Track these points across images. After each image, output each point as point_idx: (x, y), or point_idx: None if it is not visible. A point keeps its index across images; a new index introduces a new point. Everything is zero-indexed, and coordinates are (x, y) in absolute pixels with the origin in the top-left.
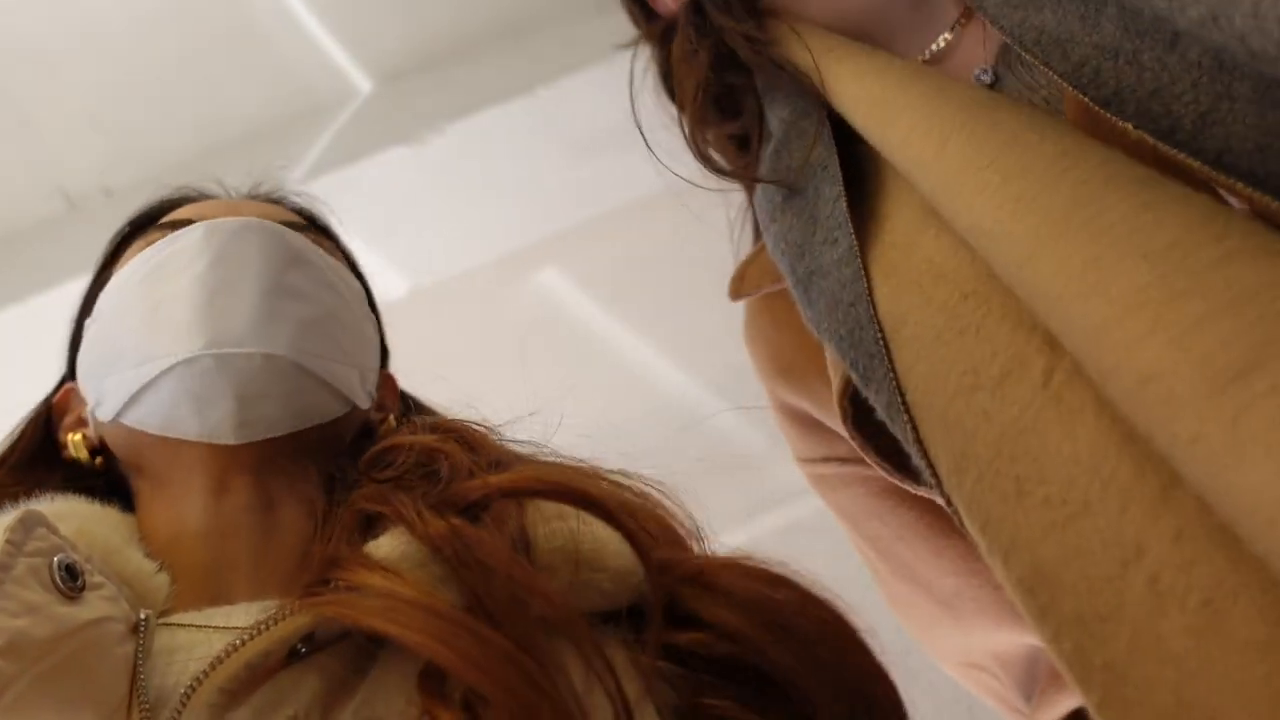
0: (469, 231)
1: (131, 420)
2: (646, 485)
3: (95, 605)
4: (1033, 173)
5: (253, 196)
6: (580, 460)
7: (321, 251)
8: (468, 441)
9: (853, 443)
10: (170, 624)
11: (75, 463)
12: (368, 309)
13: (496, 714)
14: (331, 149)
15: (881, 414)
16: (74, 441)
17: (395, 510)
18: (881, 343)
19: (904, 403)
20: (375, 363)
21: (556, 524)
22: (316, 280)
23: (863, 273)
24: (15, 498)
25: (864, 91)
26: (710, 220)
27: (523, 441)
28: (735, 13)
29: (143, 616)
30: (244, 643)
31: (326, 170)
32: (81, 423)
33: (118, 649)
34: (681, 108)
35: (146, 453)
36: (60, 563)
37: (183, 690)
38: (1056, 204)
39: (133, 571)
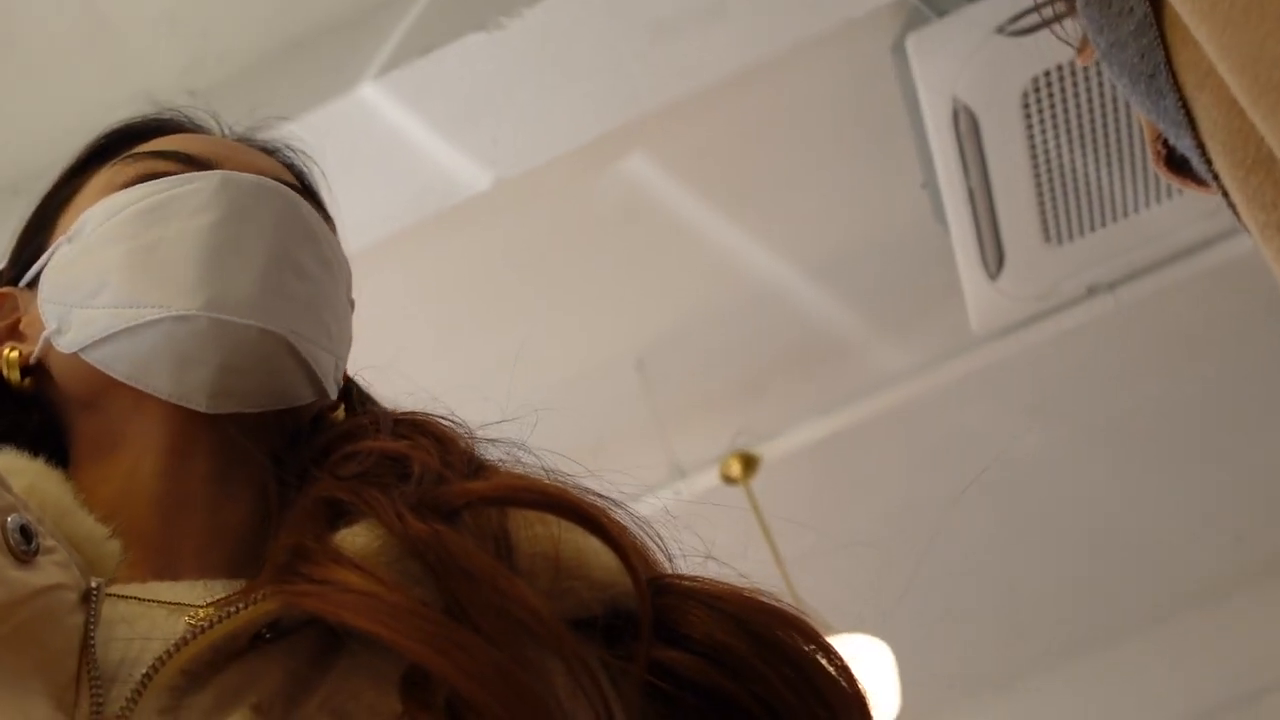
0: (551, 119)
1: (97, 358)
2: (616, 508)
3: (48, 571)
4: None
5: (246, 140)
6: (553, 471)
7: (325, 226)
8: (438, 440)
9: (1165, 177)
10: (113, 595)
11: None
12: (350, 292)
13: None
14: (408, 39)
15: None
16: (7, 356)
17: (371, 507)
18: (1184, 110)
19: (1213, 171)
20: (348, 350)
21: (539, 529)
22: (319, 259)
23: (1159, 42)
24: None
25: None
26: (804, 99)
27: (496, 441)
28: None
29: (94, 585)
30: (211, 625)
31: (403, 62)
32: (17, 335)
33: (68, 619)
34: None
35: (104, 395)
36: (15, 523)
37: (140, 674)
38: None
39: (84, 536)
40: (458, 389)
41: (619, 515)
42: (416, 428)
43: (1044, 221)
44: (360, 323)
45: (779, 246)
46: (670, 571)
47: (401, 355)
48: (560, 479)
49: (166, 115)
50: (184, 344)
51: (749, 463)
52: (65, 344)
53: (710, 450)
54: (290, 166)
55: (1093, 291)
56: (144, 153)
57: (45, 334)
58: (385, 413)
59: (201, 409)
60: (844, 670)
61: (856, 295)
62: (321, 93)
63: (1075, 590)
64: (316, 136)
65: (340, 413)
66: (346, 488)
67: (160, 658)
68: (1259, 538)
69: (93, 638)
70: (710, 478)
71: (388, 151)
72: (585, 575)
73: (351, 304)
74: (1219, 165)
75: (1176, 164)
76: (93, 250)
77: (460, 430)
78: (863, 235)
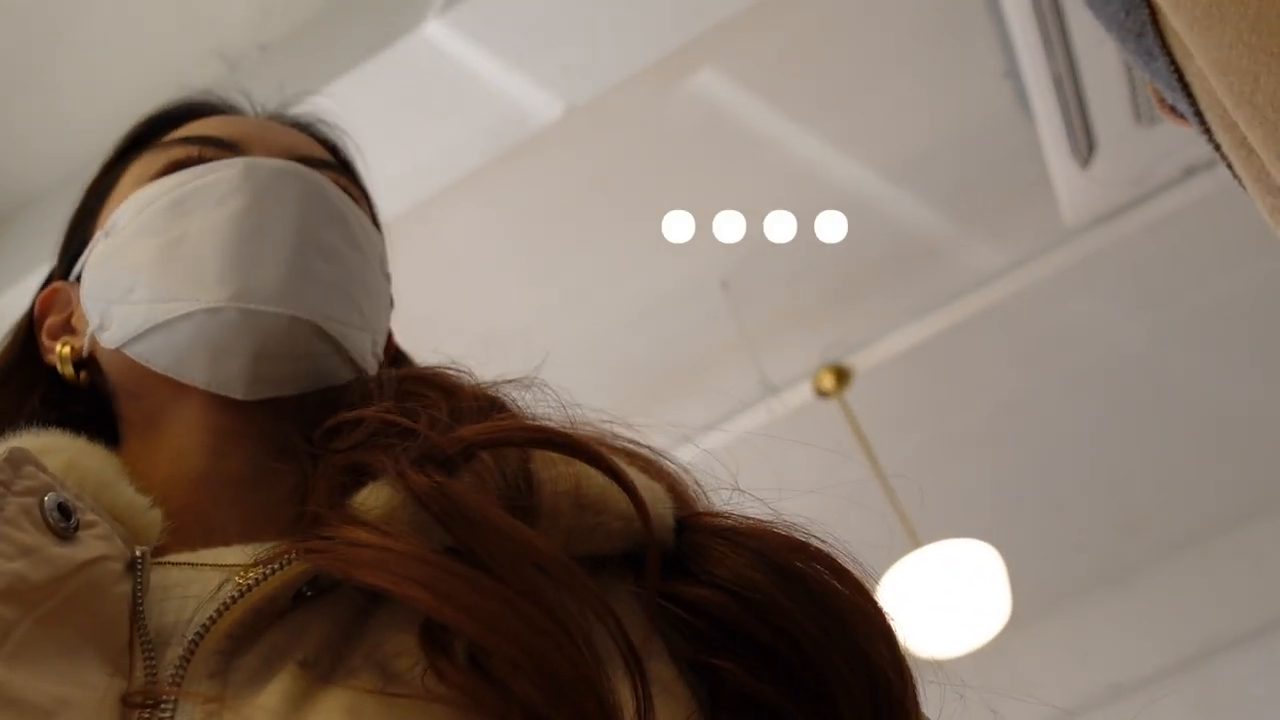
0: (619, 41)
1: (137, 353)
2: (641, 447)
3: (90, 544)
4: None
5: (278, 118)
6: (571, 406)
7: (353, 204)
8: (445, 390)
9: (1172, 121)
10: (163, 562)
11: (55, 375)
12: (385, 266)
13: (502, 665)
14: None
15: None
16: (60, 352)
17: (376, 468)
18: (1177, 75)
19: (1214, 142)
20: (386, 325)
21: (561, 468)
22: (348, 239)
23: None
24: None
25: None
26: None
27: (516, 381)
28: None
29: (138, 554)
30: (250, 588)
31: None
32: (69, 330)
33: (115, 588)
34: None
35: (148, 386)
36: (52, 501)
37: (190, 637)
38: None
39: (124, 506)
40: (549, 315)
41: (644, 452)
42: (422, 382)
43: (1136, 101)
44: (447, 261)
45: (859, 151)
46: (705, 508)
47: (489, 290)
48: (577, 417)
49: (198, 99)
50: (217, 335)
51: (841, 375)
52: (108, 340)
53: (802, 365)
54: (324, 141)
55: (1190, 172)
56: (175, 140)
57: (90, 330)
58: (391, 375)
59: (239, 396)
60: (869, 601)
61: (942, 195)
62: (388, 34)
63: (1186, 481)
64: (385, 78)
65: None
66: (350, 455)
67: (204, 624)
68: None
69: (141, 604)
70: (803, 393)
71: (458, 88)
72: (610, 509)
73: (387, 278)
74: (1219, 138)
75: (1181, 113)
76: (125, 246)
77: (467, 379)
78: (945, 133)
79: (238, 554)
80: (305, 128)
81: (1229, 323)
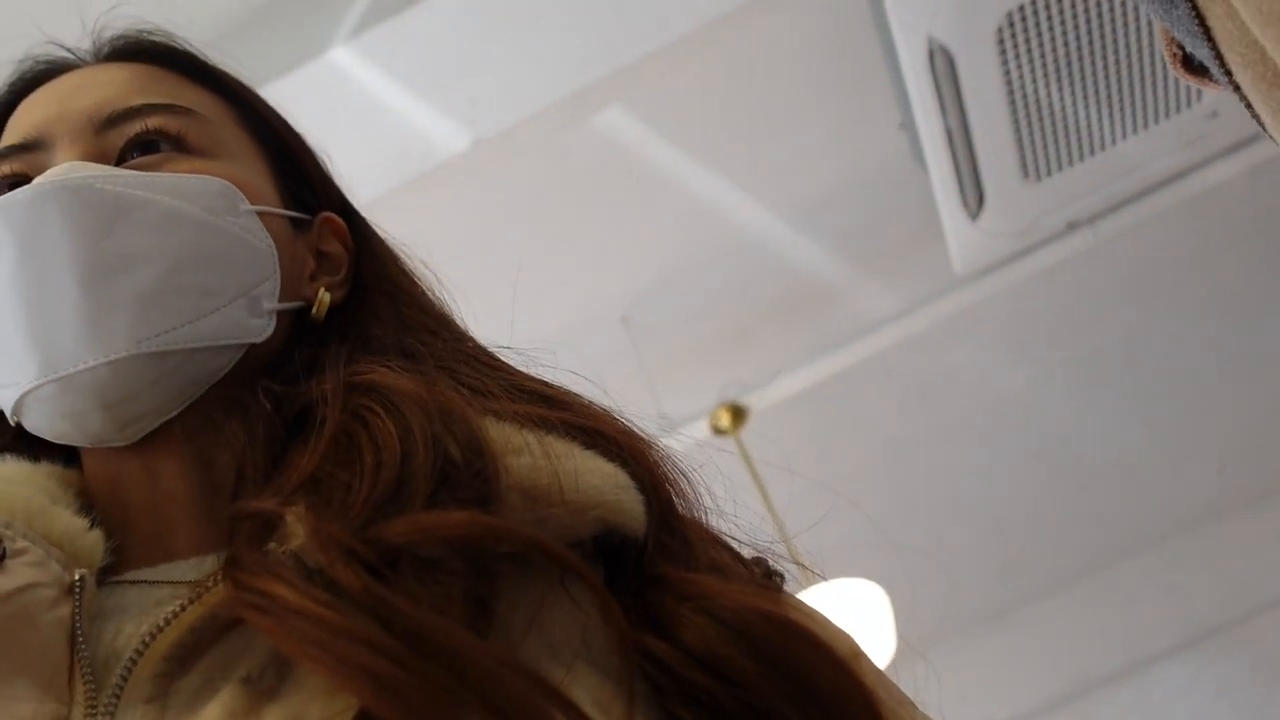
0: (527, 76)
1: (31, 429)
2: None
3: (18, 572)
4: None
5: (99, 57)
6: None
7: (152, 177)
8: (391, 408)
9: (1183, 78)
10: (121, 581)
11: None
12: (239, 204)
13: None
14: (377, 1)
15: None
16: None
17: (307, 530)
18: (1198, 20)
19: (1234, 82)
20: (267, 269)
21: (521, 459)
22: (148, 225)
23: None
24: None
25: None
26: (780, 44)
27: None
28: None
29: (78, 577)
30: (183, 608)
31: (374, 23)
32: None
33: (49, 614)
34: None
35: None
36: None
37: (124, 661)
38: None
39: (60, 531)
40: None
41: (614, 432)
42: (370, 394)
43: (1022, 158)
44: None
45: (759, 194)
46: (683, 507)
47: None
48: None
49: (20, 76)
50: (56, 406)
51: (738, 413)
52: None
53: (699, 402)
54: (163, 53)
55: (1073, 226)
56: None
57: None
58: (338, 383)
59: (120, 444)
60: (854, 684)
61: (838, 240)
62: (293, 57)
63: (1063, 522)
64: (289, 102)
65: (323, 300)
66: (281, 501)
67: (137, 648)
68: (1241, 466)
69: (79, 628)
70: (700, 429)
71: (363, 115)
72: (559, 501)
73: (248, 215)
74: (1240, 78)
75: (1195, 66)
76: None
77: (411, 387)
78: (842, 179)
79: (192, 568)
80: (132, 47)
81: (1102, 372)
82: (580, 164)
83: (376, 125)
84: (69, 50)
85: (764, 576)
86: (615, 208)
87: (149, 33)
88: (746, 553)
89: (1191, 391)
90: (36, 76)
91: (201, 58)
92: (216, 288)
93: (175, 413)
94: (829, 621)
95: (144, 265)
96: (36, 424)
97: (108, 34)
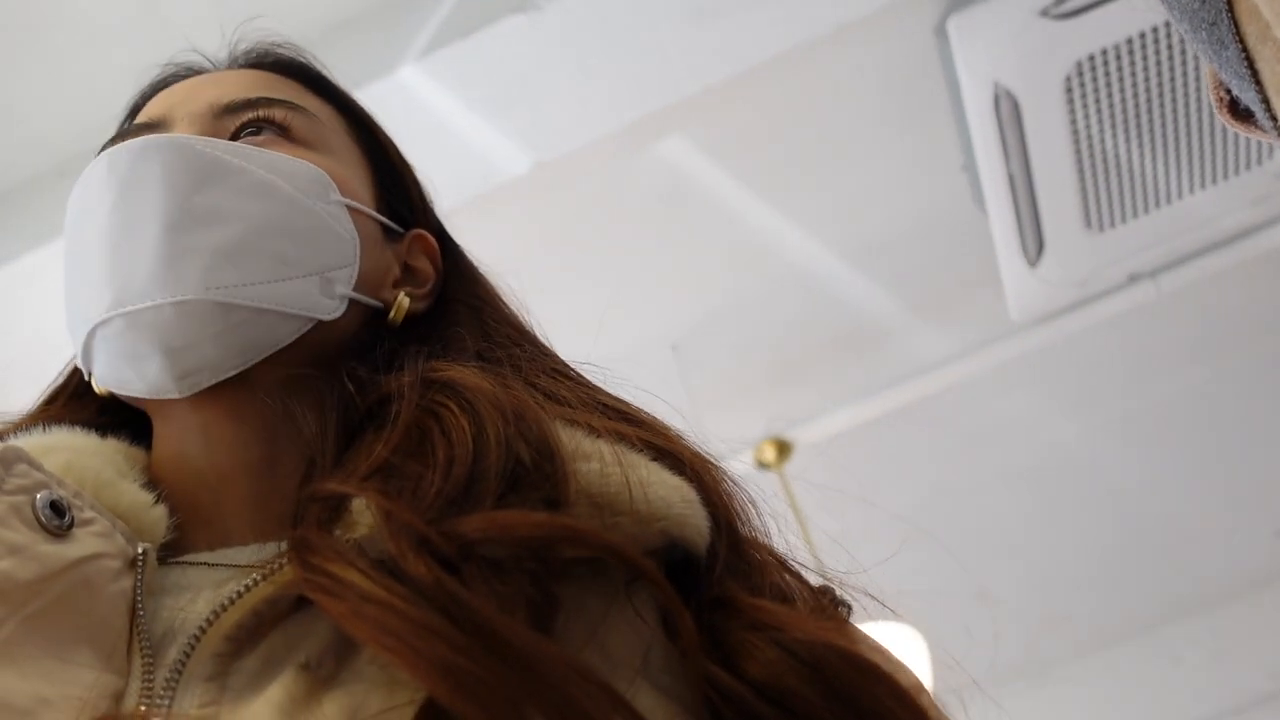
0: (589, 102)
1: (96, 379)
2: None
3: (86, 542)
4: None
5: (233, 65)
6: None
7: (252, 149)
8: (469, 408)
9: (1229, 124)
10: (182, 562)
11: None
12: (331, 193)
13: None
14: (448, 22)
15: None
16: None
17: (380, 518)
18: (1247, 63)
19: (1269, 109)
20: (347, 257)
21: (592, 465)
22: (240, 190)
23: None
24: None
25: None
26: (843, 81)
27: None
28: None
29: (140, 550)
30: (247, 589)
31: (443, 44)
32: None
33: (112, 585)
34: None
35: (129, 401)
36: (44, 499)
37: (187, 639)
38: None
39: (127, 505)
40: None
41: (685, 452)
42: (448, 391)
43: (1085, 208)
44: None
45: (817, 230)
46: (749, 532)
47: None
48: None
49: (157, 76)
50: (120, 346)
51: (783, 448)
52: (84, 368)
53: (744, 435)
54: (288, 67)
55: (1134, 279)
56: (115, 136)
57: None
58: (415, 378)
59: (176, 396)
60: None
61: (894, 280)
62: (362, 75)
63: (1110, 580)
64: None
65: (401, 303)
66: (354, 486)
67: (201, 626)
68: None
69: (140, 601)
70: (744, 462)
71: (427, 134)
72: (630, 509)
73: (337, 204)
74: None
75: (1241, 112)
76: (64, 276)
77: (490, 390)
78: (901, 219)
79: (251, 554)
80: (261, 59)
81: (1158, 428)
82: (638, 191)
83: (440, 144)
84: (206, 57)
85: (831, 605)
86: (671, 236)
87: (278, 45)
88: (813, 580)
89: (1248, 453)
90: (174, 76)
91: (324, 72)
92: (294, 259)
93: (233, 372)
94: (894, 655)
95: (228, 223)
96: (102, 372)
97: (242, 46)
